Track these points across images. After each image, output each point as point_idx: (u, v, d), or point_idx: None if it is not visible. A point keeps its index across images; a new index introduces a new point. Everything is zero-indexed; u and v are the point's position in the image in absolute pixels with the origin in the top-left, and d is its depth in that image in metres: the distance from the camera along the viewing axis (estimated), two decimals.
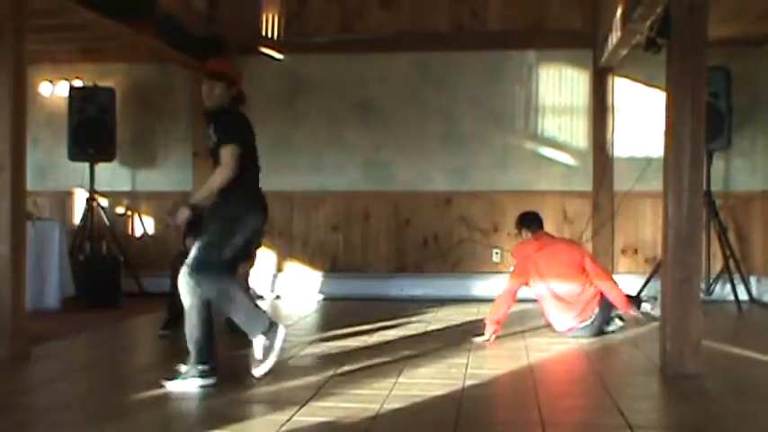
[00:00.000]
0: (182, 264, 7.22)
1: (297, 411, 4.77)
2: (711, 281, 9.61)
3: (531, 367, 6.13)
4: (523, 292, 7.62)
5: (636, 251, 10.25)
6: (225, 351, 6.98)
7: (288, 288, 10.56)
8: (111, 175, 10.64)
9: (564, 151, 10.33)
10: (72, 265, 9.35)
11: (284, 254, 10.62)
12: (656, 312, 7.95)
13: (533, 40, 10.38)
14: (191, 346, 5.50)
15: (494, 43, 10.40)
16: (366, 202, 10.54)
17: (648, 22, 6.99)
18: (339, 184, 10.55)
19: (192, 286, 5.53)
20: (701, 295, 5.98)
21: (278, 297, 10.46)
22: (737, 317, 8.97)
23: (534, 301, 7.86)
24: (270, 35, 10.56)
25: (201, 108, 5.95)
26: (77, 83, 10.56)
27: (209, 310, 5.59)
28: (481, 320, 7.60)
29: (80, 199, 10.54)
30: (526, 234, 7.78)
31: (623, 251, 10.27)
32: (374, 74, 10.57)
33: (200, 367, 5.44)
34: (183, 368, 5.50)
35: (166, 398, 5.20)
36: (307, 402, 4.98)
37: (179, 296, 7.61)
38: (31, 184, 7.21)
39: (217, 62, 5.96)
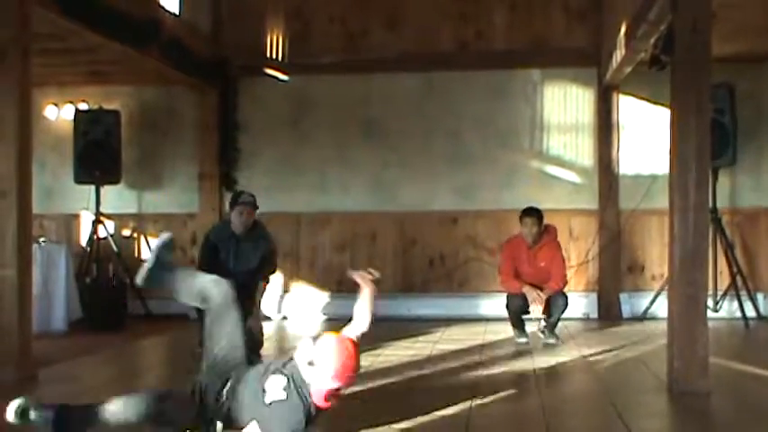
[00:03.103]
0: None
1: None
2: (718, 298, 9.58)
3: (539, 385, 6.12)
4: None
5: (642, 269, 10.23)
6: None
7: (294, 309, 10.55)
8: (117, 197, 10.65)
9: (569, 169, 10.33)
10: (78, 288, 9.34)
11: (291, 274, 10.61)
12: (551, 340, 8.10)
13: (538, 59, 10.40)
14: None
15: (498, 62, 10.42)
16: (372, 222, 10.54)
17: (652, 40, 6.99)
18: (345, 205, 10.55)
19: None
20: (709, 312, 5.96)
21: (285, 318, 10.45)
22: (745, 334, 8.95)
23: (539, 319, 8.29)
24: (275, 56, 10.61)
25: None
26: (83, 106, 10.58)
27: None
28: (488, 340, 7.65)
29: (86, 221, 10.55)
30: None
31: (630, 269, 10.25)
32: (379, 94, 10.59)
33: None
34: None
35: None
36: None
37: None
38: (37, 206, 7.22)
39: None
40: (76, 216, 10.80)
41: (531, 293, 8.11)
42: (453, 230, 10.46)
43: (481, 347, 7.90)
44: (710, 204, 7.29)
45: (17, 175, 6.40)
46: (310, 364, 4.23)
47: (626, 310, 10.11)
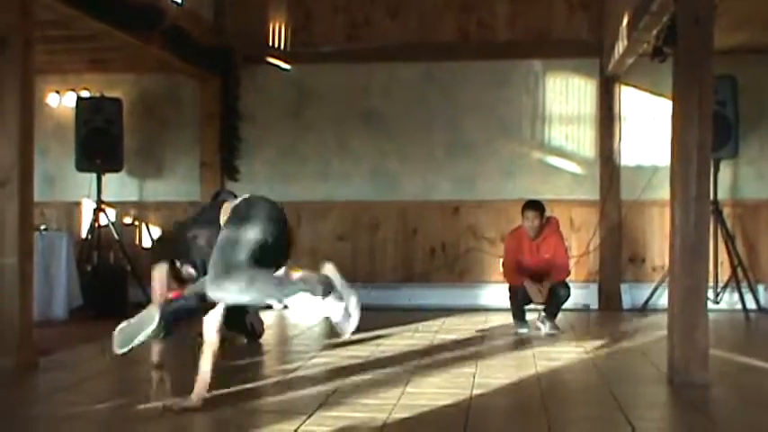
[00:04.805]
0: None
1: (305, 421, 4.76)
2: (719, 289, 9.59)
3: (539, 376, 6.12)
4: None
5: (643, 260, 10.24)
6: (235, 358, 6.99)
7: (295, 298, 10.52)
8: (119, 185, 10.66)
9: (571, 160, 10.33)
10: (79, 276, 9.34)
11: (291, 264, 10.59)
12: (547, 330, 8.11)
13: (540, 50, 10.40)
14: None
15: (500, 53, 10.42)
16: (373, 211, 10.54)
17: (655, 31, 6.98)
18: (346, 194, 10.56)
19: None
20: (709, 304, 5.96)
21: (285, 307, 10.42)
22: (745, 325, 8.96)
23: (537, 310, 8.36)
24: (277, 45, 10.59)
25: None
26: (84, 93, 10.58)
27: None
28: (488, 329, 7.75)
29: (87, 209, 10.54)
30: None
31: (630, 260, 10.26)
32: (381, 83, 10.59)
33: None
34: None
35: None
36: (315, 412, 4.97)
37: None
38: (38, 194, 7.21)
39: None
40: (78, 204, 10.80)
41: (531, 288, 8.14)
42: (454, 220, 10.46)
43: (481, 337, 7.92)
44: (712, 196, 7.28)
45: (19, 162, 6.38)
46: None
47: (626, 301, 10.13)
